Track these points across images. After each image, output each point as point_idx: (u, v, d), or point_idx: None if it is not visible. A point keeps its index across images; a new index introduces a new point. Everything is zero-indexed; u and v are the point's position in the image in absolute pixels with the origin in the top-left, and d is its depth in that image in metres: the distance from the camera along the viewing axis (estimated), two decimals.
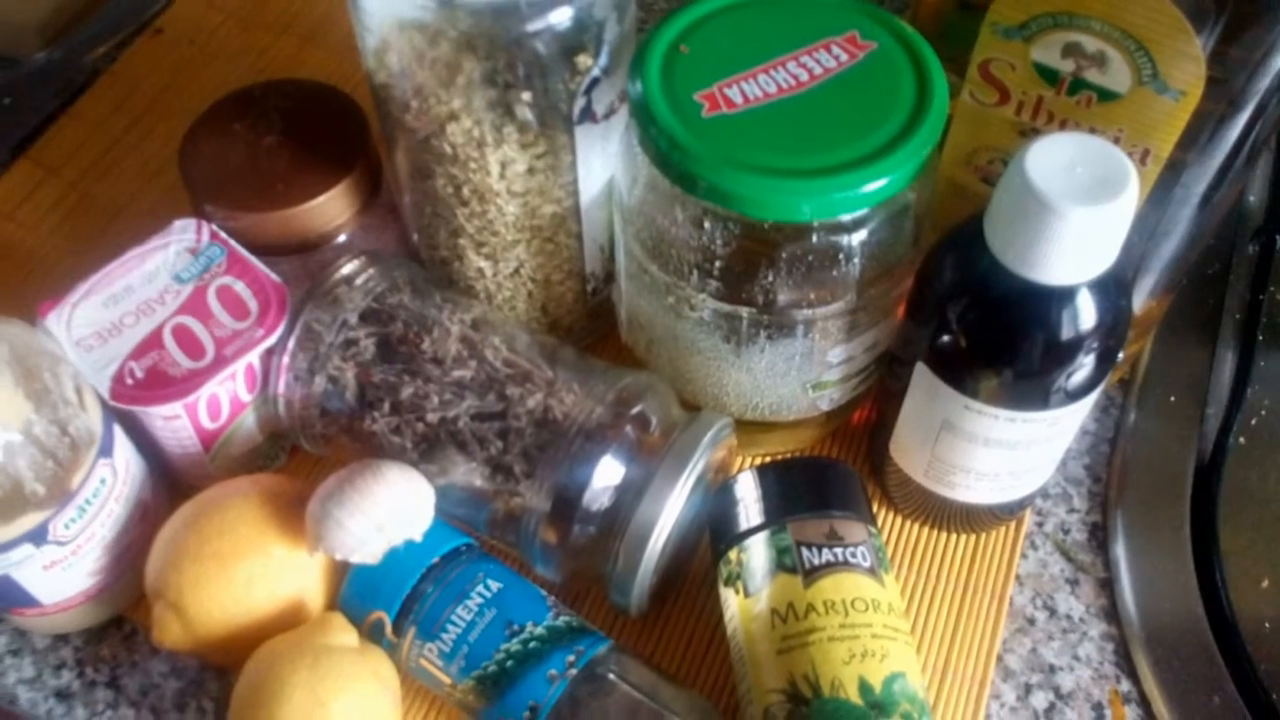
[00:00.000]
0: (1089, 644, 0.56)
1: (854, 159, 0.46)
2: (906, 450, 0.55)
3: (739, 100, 0.48)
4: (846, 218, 0.48)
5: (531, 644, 0.49)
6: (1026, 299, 0.45)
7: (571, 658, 0.49)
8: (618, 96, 0.54)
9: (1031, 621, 0.57)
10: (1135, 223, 0.44)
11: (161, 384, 0.53)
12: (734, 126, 0.47)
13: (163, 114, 0.77)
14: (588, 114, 0.53)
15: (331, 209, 0.59)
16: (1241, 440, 0.61)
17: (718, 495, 0.53)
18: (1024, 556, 0.59)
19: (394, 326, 0.55)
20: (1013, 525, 0.59)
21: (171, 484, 0.59)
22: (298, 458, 0.62)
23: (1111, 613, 0.57)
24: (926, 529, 0.59)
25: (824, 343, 0.52)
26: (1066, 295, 0.44)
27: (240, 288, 0.56)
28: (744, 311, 0.51)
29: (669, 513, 0.49)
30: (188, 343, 0.55)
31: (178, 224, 0.58)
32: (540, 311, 0.62)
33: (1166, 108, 0.46)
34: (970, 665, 0.55)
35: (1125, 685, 0.55)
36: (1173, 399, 0.63)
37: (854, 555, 0.49)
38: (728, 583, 0.51)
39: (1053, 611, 0.57)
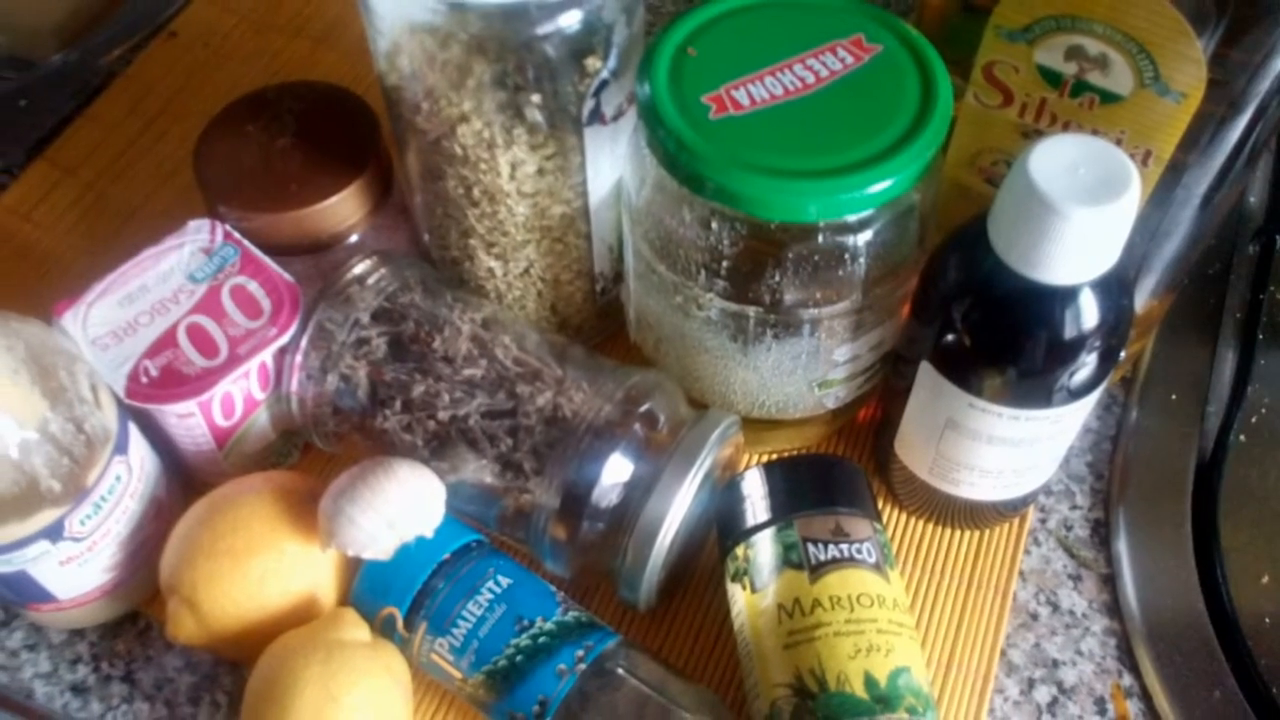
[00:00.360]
0: (1091, 639, 0.56)
1: (860, 160, 0.46)
2: (911, 448, 0.55)
3: (746, 102, 0.48)
4: (852, 218, 0.48)
5: (541, 639, 0.49)
6: (1030, 298, 0.45)
7: (580, 652, 0.49)
8: (626, 99, 0.54)
9: (1035, 617, 0.57)
10: (1137, 223, 0.44)
11: (176, 382, 0.54)
12: (741, 128, 0.48)
13: (177, 116, 0.77)
14: (596, 116, 0.53)
15: (344, 209, 0.60)
16: (1242, 438, 0.61)
17: (725, 492, 0.53)
18: (1027, 552, 0.59)
19: (405, 325, 0.55)
20: (1016, 522, 0.59)
21: (186, 481, 0.59)
22: (310, 455, 0.62)
23: (1114, 608, 0.57)
24: (931, 525, 0.59)
25: (830, 342, 0.53)
26: (1069, 295, 0.44)
27: (254, 287, 0.56)
28: (751, 311, 0.51)
29: (677, 509, 0.50)
30: (202, 341, 0.55)
31: (192, 224, 0.58)
32: (550, 311, 0.62)
33: (1168, 110, 0.46)
34: (974, 660, 0.55)
35: (1127, 679, 0.55)
36: (1174, 397, 0.63)
37: (859, 551, 0.50)
38: (735, 578, 0.51)
39: (1056, 607, 0.57)
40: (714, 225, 0.49)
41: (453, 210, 0.57)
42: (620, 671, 0.49)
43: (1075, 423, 0.51)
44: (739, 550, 0.51)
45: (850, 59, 0.50)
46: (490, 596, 0.51)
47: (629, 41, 0.52)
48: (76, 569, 0.52)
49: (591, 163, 0.54)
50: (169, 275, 0.57)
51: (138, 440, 0.53)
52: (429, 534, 0.51)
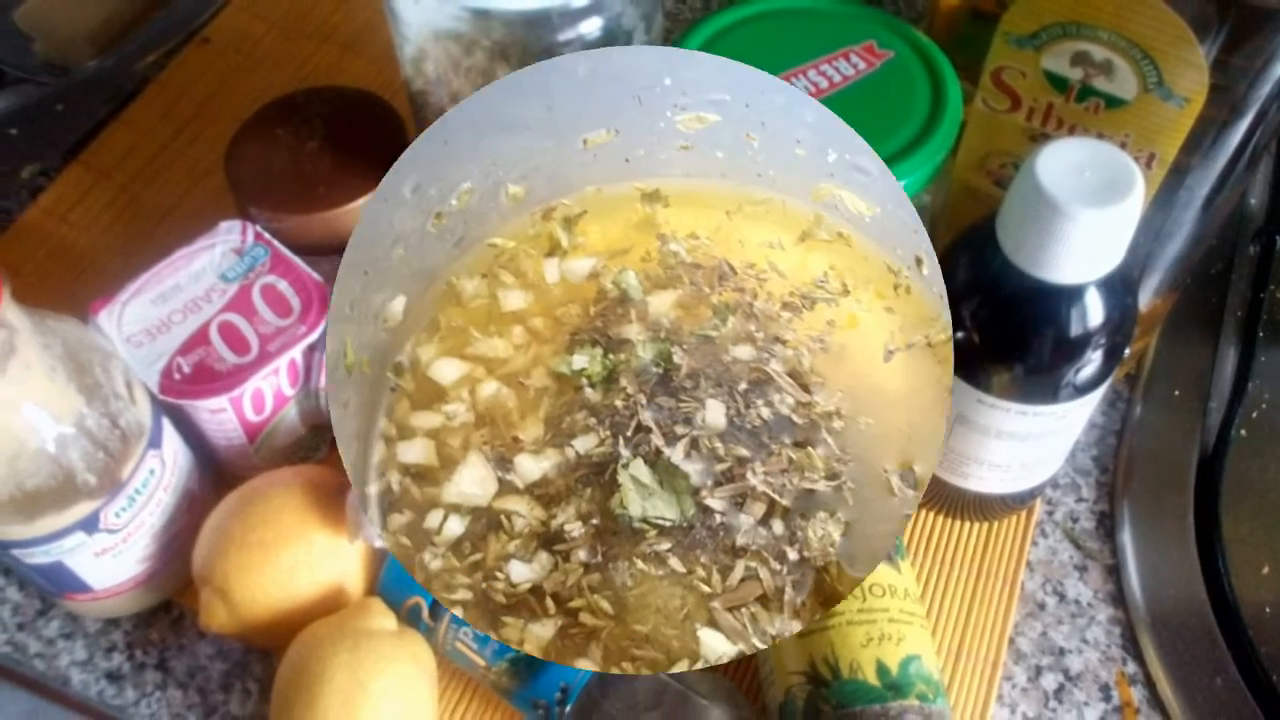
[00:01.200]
0: (1097, 628, 0.57)
1: None
2: None
3: None
4: None
5: None
6: (1037, 297, 0.45)
7: None
8: None
9: (1042, 606, 0.57)
10: (1141, 224, 0.44)
11: (208, 379, 0.54)
12: None
13: (209, 120, 0.77)
14: None
15: None
16: (1243, 433, 0.60)
17: None
18: (1034, 544, 0.59)
19: None
20: (1024, 514, 0.60)
21: (217, 475, 0.59)
22: (338, 449, 0.62)
23: (1118, 598, 0.57)
24: (941, 517, 0.60)
25: None
26: (1075, 294, 0.45)
27: (283, 286, 0.57)
28: None
29: None
30: (233, 339, 0.55)
31: (223, 225, 0.58)
32: None
33: (1171, 114, 0.46)
34: (983, 648, 0.56)
35: (1131, 667, 0.55)
36: (1177, 393, 0.63)
37: None
38: None
39: (1062, 596, 0.58)
40: None
41: None
42: None
43: (1081, 418, 0.51)
44: None
45: (863, 65, 0.50)
46: None
47: None
48: (111, 560, 0.52)
49: None
50: (201, 275, 0.57)
51: (171, 435, 0.54)
52: None
